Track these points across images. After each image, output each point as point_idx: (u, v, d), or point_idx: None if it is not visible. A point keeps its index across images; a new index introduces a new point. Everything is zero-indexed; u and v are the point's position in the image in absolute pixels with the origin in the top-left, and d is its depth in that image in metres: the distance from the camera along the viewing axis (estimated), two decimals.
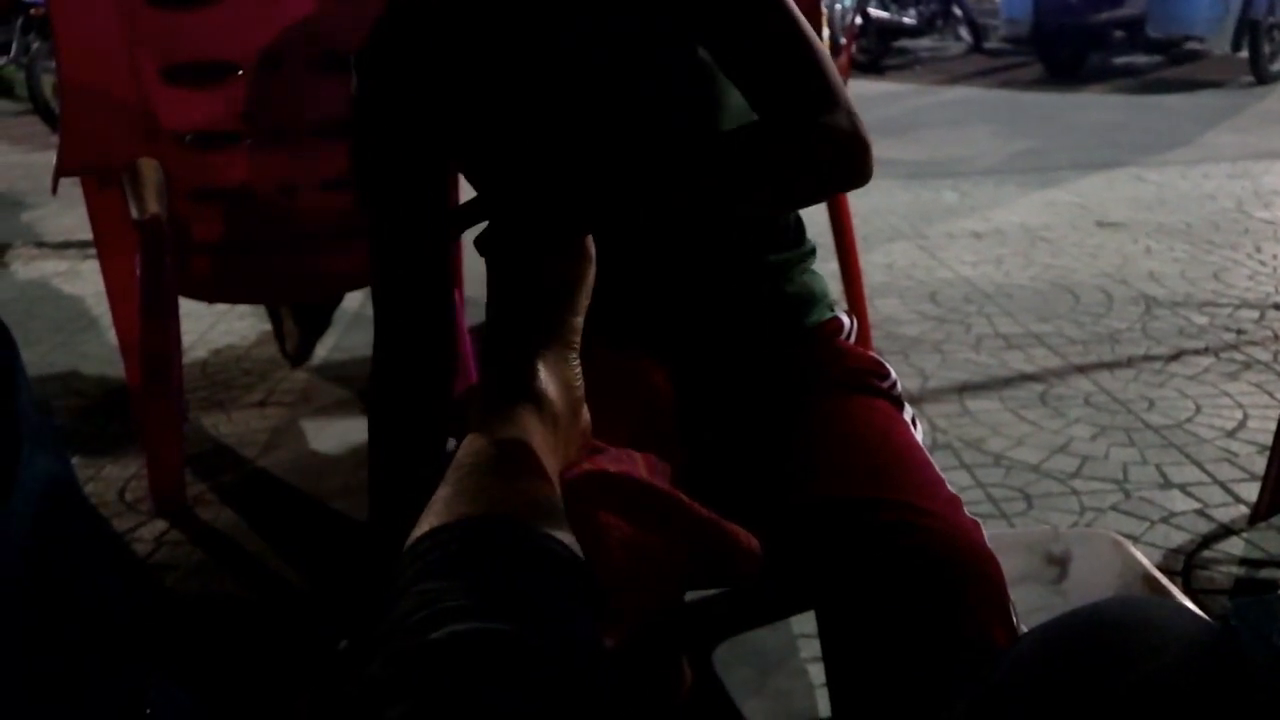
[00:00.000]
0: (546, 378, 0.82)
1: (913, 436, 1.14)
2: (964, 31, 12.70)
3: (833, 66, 1.05)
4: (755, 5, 1.03)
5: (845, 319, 1.28)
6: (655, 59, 1.12)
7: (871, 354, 1.26)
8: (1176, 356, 2.88)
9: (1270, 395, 2.60)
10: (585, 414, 0.90)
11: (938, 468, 1.08)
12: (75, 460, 2.49)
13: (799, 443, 1.10)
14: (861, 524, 0.97)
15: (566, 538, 0.69)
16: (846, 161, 1.02)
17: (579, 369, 0.88)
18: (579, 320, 0.88)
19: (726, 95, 1.13)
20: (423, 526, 0.69)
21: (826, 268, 1.31)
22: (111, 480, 2.39)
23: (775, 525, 1.02)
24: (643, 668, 0.96)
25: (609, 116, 1.14)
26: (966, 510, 1.01)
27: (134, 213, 2.29)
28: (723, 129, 1.13)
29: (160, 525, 2.18)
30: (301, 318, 3.03)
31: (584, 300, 0.88)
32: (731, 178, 0.98)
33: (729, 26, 1.05)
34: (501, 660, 0.57)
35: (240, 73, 2.27)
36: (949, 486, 1.04)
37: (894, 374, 1.22)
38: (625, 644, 0.88)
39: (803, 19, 1.04)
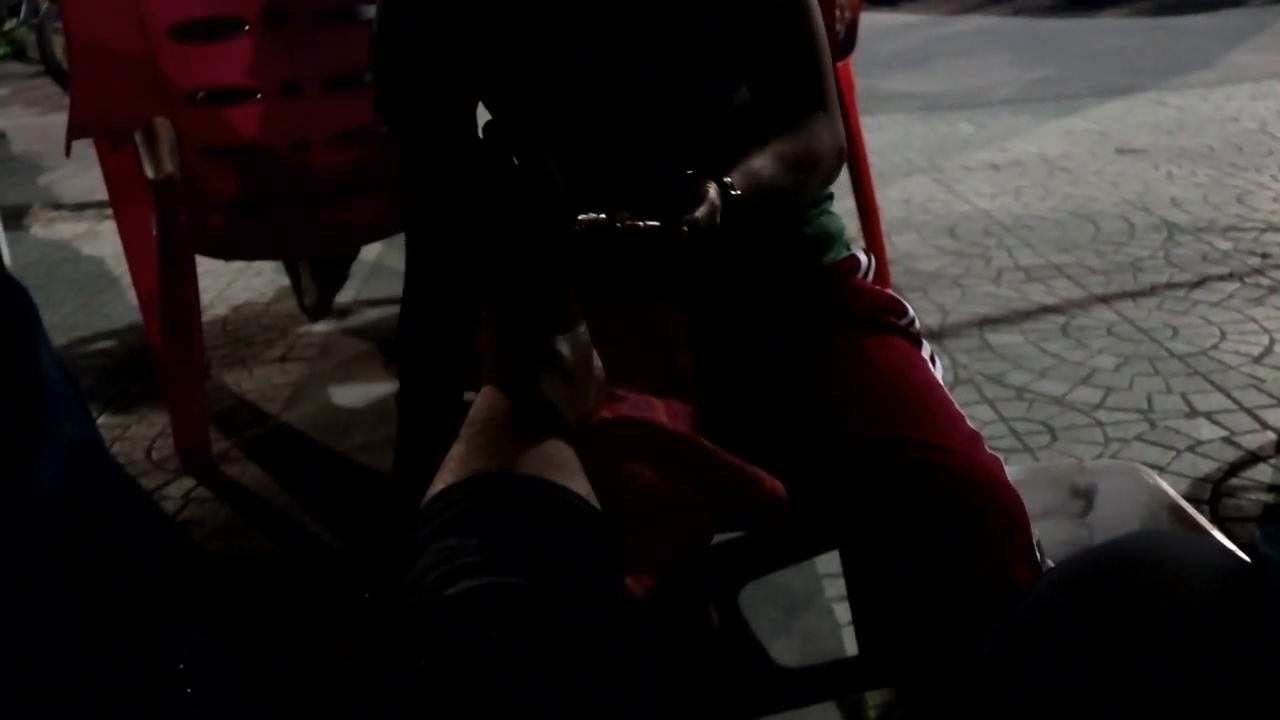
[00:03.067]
0: (554, 330, 0.82)
1: (931, 374, 1.13)
2: None
3: (829, 66, 1.17)
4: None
5: (862, 257, 1.28)
6: (677, 15, 1.13)
7: (889, 292, 1.25)
8: (1200, 283, 2.85)
9: None
10: (597, 361, 0.90)
11: (957, 404, 1.08)
12: (101, 420, 2.51)
13: (817, 383, 1.10)
14: (882, 463, 0.97)
15: (582, 488, 0.69)
16: (832, 168, 1.17)
17: (582, 318, 0.87)
18: (574, 269, 0.87)
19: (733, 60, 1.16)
20: (438, 484, 0.69)
21: (842, 205, 1.30)
22: (138, 439, 2.41)
23: (795, 465, 1.02)
24: (670, 613, 0.97)
25: (625, 63, 1.13)
26: (987, 446, 1.01)
27: (148, 172, 2.29)
28: (725, 93, 1.17)
29: (187, 483, 2.20)
30: (319, 272, 3.03)
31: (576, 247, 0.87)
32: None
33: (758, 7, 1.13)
34: (515, 614, 0.57)
35: (248, 28, 2.25)
36: (969, 423, 1.04)
37: (912, 311, 1.21)
38: (652, 590, 0.89)
39: (818, 16, 1.15)
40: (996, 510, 0.94)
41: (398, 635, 0.58)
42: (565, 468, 0.71)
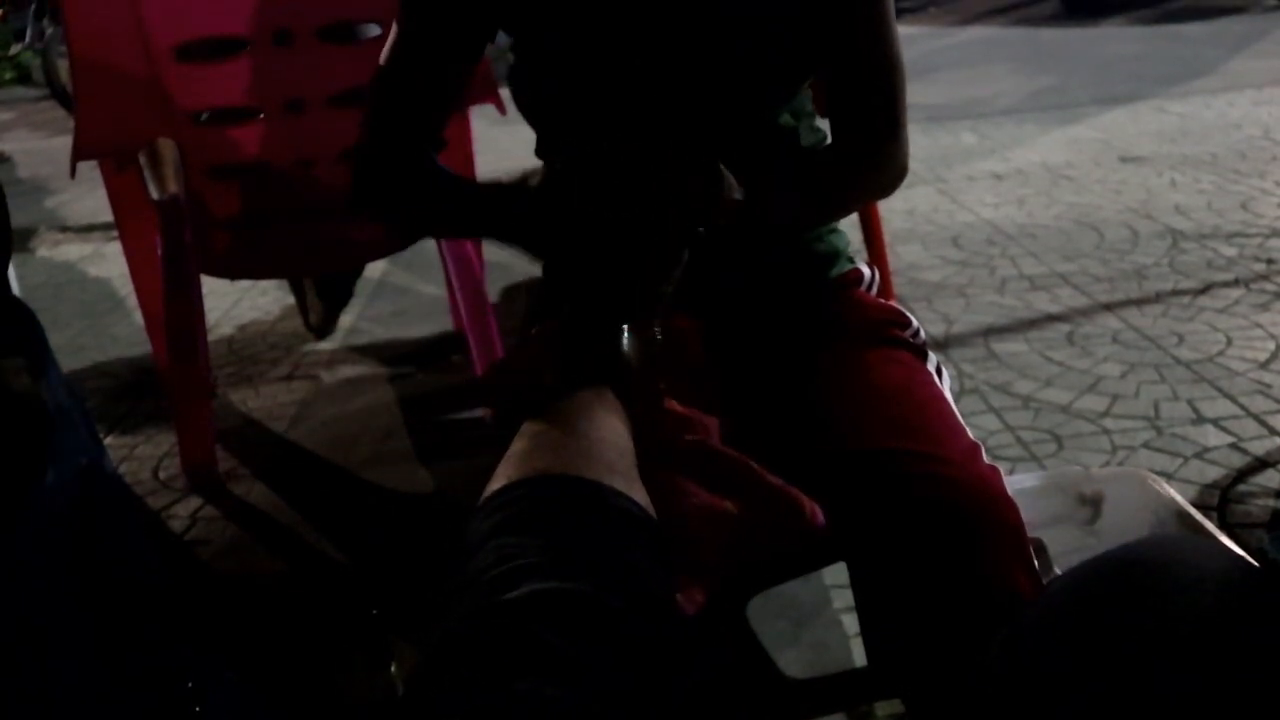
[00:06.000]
0: (628, 342, 0.83)
1: (934, 386, 1.13)
2: None
3: (904, 90, 1.18)
4: (874, 19, 1.14)
5: (865, 269, 1.28)
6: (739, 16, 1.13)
7: (892, 304, 1.25)
8: (1205, 289, 2.84)
9: None
10: (657, 378, 0.90)
11: (961, 415, 1.08)
12: (108, 440, 2.51)
13: (818, 397, 1.10)
14: (881, 475, 0.98)
15: (641, 498, 0.69)
16: (892, 188, 1.22)
17: (659, 334, 0.88)
18: (668, 290, 0.89)
19: (787, 70, 1.17)
20: (499, 479, 0.68)
21: (847, 217, 1.31)
22: (145, 459, 2.42)
23: (806, 478, 1.02)
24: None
25: (672, 52, 1.14)
26: (986, 457, 1.01)
27: (152, 193, 2.30)
28: (765, 98, 1.18)
29: (194, 502, 2.20)
30: (324, 290, 3.04)
31: (677, 272, 0.90)
32: (817, 207, 1.18)
33: (845, 25, 1.14)
34: (583, 621, 0.57)
35: (251, 47, 2.26)
36: (970, 434, 1.04)
37: (916, 322, 1.21)
38: (701, 607, 0.89)
39: (898, 38, 1.17)
40: (994, 520, 0.94)
41: (455, 636, 0.57)
42: (626, 475, 0.70)
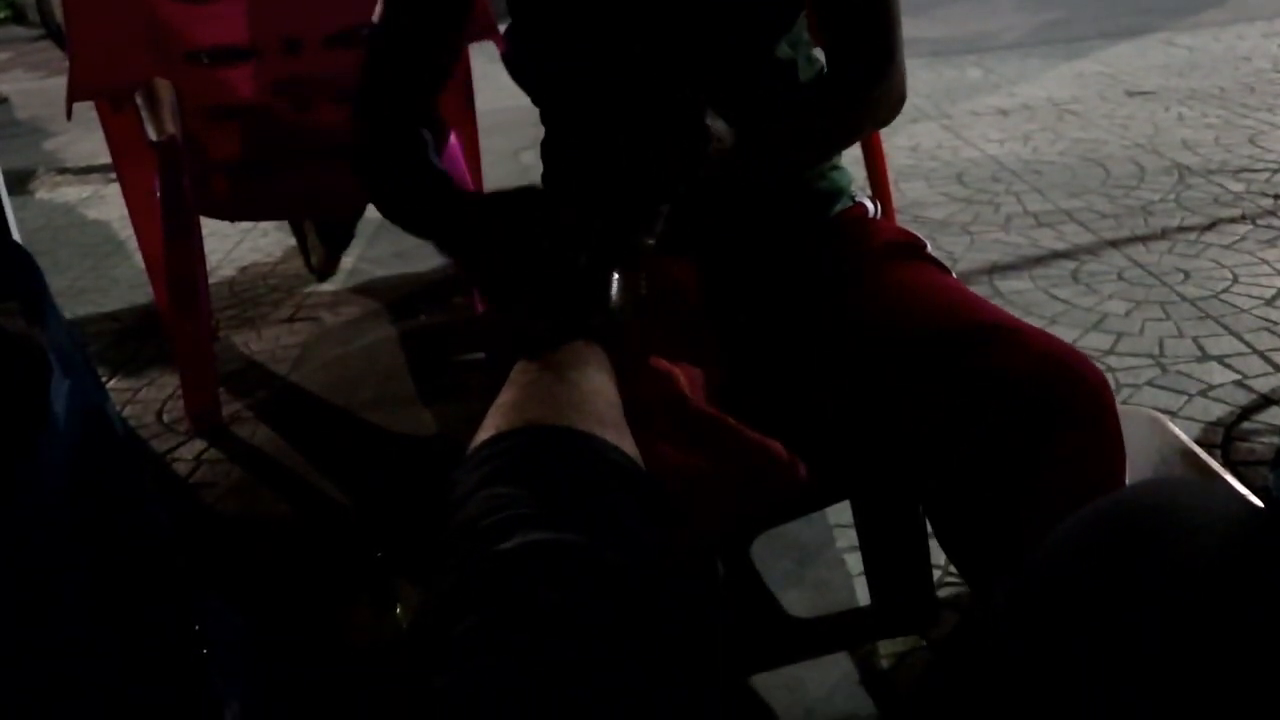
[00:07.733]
0: (618, 292, 0.82)
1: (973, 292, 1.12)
2: None
3: (898, 14, 1.18)
4: None
5: (869, 203, 1.27)
6: None
7: (902, 228, 1.24)
8: (1212, 226, 2.82)
9: None
10: (642, 328, 0.89)
11: None
12: (112, 384, 2.51)
13: (855, 305, 1.09)
14: (959, 355, 0.95)
15: (631, 450, 0.69)
16: (891, 116, 1.22)
17: (645, 285, 0.88)
18: (650, 240, 0.89)
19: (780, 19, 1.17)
20: (489, 429, 0.68)
21: (849, 153, 1.30)
22: (148, 402, 2.42)
23: (816, 411, 1.01)
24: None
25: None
26: None
27: (150, 134, 2.28)
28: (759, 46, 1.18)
29: (199, 444, 2.21)
30: (325, 232, 3.02)
31: (658, 224, 0.89)
32: (818, 140, 1.17)
33: None
34: (576, 573, 0.56)
35: None
36: None
37: (929, 244, 1.20)
38: (691, 563, 0.89)
39: None
40: (1092, 385, 0.92)
41: (449, 588, 0.57)
42: (617, 427, 0.70)
